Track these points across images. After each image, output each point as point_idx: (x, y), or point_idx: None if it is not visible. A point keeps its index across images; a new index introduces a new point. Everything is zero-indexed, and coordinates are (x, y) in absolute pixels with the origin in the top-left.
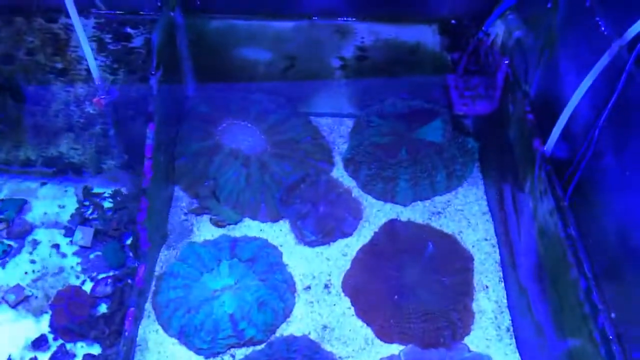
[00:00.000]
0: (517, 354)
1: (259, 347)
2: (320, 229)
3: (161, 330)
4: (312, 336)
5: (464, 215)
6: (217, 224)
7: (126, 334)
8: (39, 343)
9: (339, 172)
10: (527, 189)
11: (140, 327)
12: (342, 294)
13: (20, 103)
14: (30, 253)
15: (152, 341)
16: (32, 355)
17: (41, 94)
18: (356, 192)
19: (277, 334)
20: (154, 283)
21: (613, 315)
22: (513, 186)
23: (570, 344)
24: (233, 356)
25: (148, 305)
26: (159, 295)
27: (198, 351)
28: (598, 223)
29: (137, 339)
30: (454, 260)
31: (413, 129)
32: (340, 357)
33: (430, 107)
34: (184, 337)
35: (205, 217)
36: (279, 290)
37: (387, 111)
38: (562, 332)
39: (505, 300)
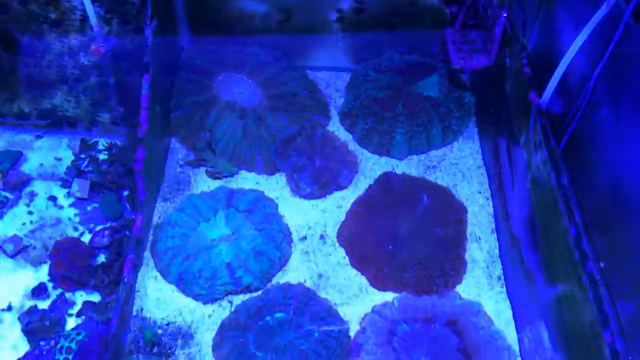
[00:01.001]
0: (508, 302)
1: (255, 294)
2: (316, 181)
3: (160, 277)
4: (308, 284)
5: (459, 168)
6: (214, 176)
7: (125, 280)
8: (39, 291)
9: (335, 126)
10: (522, 142)
11: (139, 274)
12: (337, 245)
13: (13, 54)
14: (27, 204)
15: (151, 288)
16: (32, 303)
17: (34, 44)
18: (352, 145)
19: (274, 282)
20: (151, 232)
21: (602, 265)
22: (508, 140)
23: (560, 290)
24: (231, 302)
25: (147, 254)
26: (157, 244)
27: (196, 297)
28: (590, 175)
29: (136, 285)
30: (447, 212)
31: (410, 83)
32: (335, 304)
33: (427, 62)
34: (183, 283)
35: (202, 169)
36: (276, 240)
37: (384, 65)
38: (551, 279)
39: (497, 251)
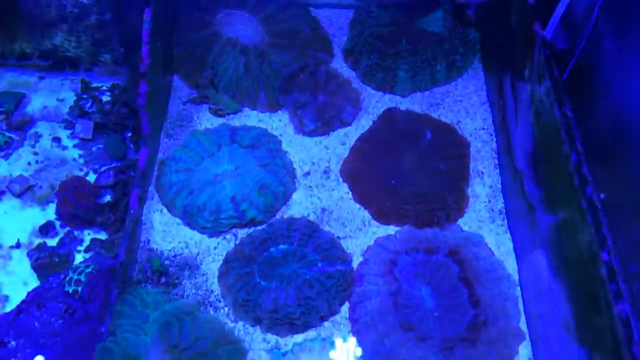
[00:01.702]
0: (508, 234)
1: (260, 228)
2: (320, 118)
3: (165, 211)
4: (311, 218)
5: (463, 105)
6: (217, 113)
7: (131, 211)
8: (46, 229)
9: (338, 64)
10: (526, 75)
11: (144, 208)
12: (341, 180)
13: None
14: (32, 146)
15: (157, 221)
16: (40, 240)
17: None
18: (355, 83)
19: (277, 216)
20: (156, 167)
21: (602, 196)
22: (513, 74)
23: (560, 217)
24: (235, 235)
25: (152, 189)
26: (162, 178)
27: (202, 230)
28: (593, 108)
29: (143, 218)
30: (450, 147)
31: (414, 19)
32: (338, 237)
33: None
34: (188, 217)
35: (205, 107)
36: (279, 175)
37: (388, 1)
38: (552, 207)
39: (499, 185)
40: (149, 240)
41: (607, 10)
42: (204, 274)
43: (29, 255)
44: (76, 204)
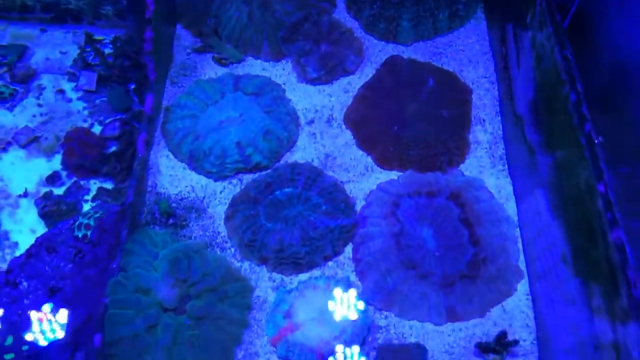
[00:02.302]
0: (509, 179)
1: (265, 173)
2: (323, 66)
3: (171, 156)
4: (315, 163)
5: (465, 54)
6: (220, 62)
7: (139, 155)
8: (53, 179)
9: (341, 14)
10: (528, 22)
11: (151, 153)
12: (344, 127)
13: None
14: (36, 97)
15: (164, 165)
16: (47, 190)
17: None
18: (358, 32)
19: (282, 162)
20: (162, 114)
21: (601, 139)
22: (515, 23)
23: (559, 157)
24: (241, 180)
25: (158, 135)
26: (168, 125)
27: (207, 175)
28: (593, 54)
29: (149, 163)
30: (453, 95)
31: None
32: (341, 182)
33: None
34: (194, 161)
35: (208, 56)
36: (283, 122)
37: None
38: (551, 148)
39: (500, 132)
40: (156, 185)
41: None
42: (210, 217)
43: (36, 203)
44: (82, 155)
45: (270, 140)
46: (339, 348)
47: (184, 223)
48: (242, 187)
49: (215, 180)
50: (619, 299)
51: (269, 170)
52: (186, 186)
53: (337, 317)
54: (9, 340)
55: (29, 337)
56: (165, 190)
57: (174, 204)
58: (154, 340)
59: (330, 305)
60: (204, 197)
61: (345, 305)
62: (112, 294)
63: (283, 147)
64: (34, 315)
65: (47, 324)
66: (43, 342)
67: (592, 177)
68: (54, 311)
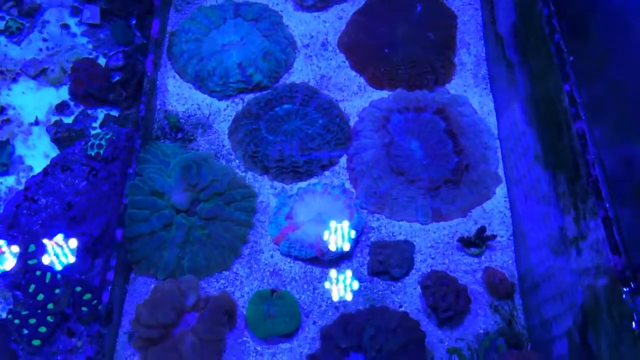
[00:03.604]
0: (491, 96)
1: (265, 92)
2: None
3: (177, 77)
4: (311, 83)
5: None
6: None
7: (148, 74)
8: (62, 108)
9: None
10: None
11: (158, 74)
12: (338, 51)
13: None
14: (41, 32)
15: (171, 85)
16: (56, 118)
17: None
18: None
19: (280, 82)
20: (167, 39)
21: (572, 58)
22: None
23: (533, 67)
24: (243, 100)
25: (164, 59)
26: (173, 48)
27: (211, 94)
28: None
29: (157, 84)
30: (439, 19)
31: None
32: (336, 100)
33: None
34: (199, 81)
35: None
36: (281, 45)
37: None
38: (526, 60)
39: (483, 54)
40: (164, 103)
41: None
42: (215, 132)
43: (47, 130)
44: (89, 84)
45: (269, 60)
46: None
47: (191, 137)
48: (245, 105)
49: (220, 99)
50: (580, 181)
51: (269, 90)
52: (192, 104)
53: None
54: (32, 247)
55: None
56: (173, 108)
57: (182, 120)
58: (168, 237)
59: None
60: (209, 115)
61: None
62: (131, 195)
63: (281, 67)
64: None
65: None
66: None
67: (560, 79)
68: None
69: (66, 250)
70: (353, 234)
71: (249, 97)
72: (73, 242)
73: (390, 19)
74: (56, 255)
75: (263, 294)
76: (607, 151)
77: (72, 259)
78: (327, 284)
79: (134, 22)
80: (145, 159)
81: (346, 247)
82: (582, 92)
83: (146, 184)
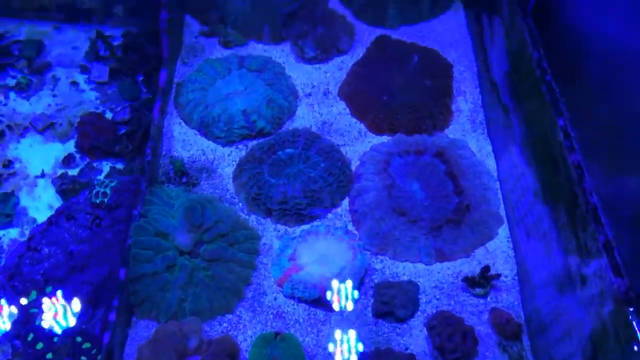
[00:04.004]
0: (488, 140)
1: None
2: (319, 46)
3: (183, 124)
4: (313, 129)
5: (446, 37)
6: (226, 45)
7: (154, 122)
8: (68, 161)
9: (333, 4)
10: (498, 6)
11: (165, 121)
12: (339, 99)
13: None
14: (51, 89)
15: (177, 131)
16: (62, 171)
17: None
18: (350, 18)
19: (283, 128)
20: (174, 89)
21: (563, 99)
22: (488, 8)
23: (527, 108)
24: (247, 146)
25: (171, 107)
26: (180, 97)
27: (216, 140)
28: (556, 32)
29: (163, 130)
30: (436, 68)
31: None
32: (337, 145)
33: None
34: (204, 127)
35: (215, 40)
36: (284, 93)
37: None
38: (521, 103)
39: (480, 102)
40: (170, 149)
41: None
42: (219, 176)
43: (53, 182)
44: (95, 137)
45: (272, 107)
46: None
47: (195, 182)
48: (248, 150)
49: (224, 145)
50: (578, 209)
51: (272, 136)
52: (197, 150)
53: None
54: (33, 294)
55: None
56: (179, 154)
57: (186, 165)
58: (171, 278)
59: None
60: (213, 160)
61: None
62: (135, 236)
63: (284, 114)
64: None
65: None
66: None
67: (553, 115)
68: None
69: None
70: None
71: (252, 143)
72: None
73: (388, 69)
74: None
75: (266, 337)
76: (601, 183)
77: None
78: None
79: (141, 79)
80: (150, 201)
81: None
82: (575, 129)
83: (151, 224)
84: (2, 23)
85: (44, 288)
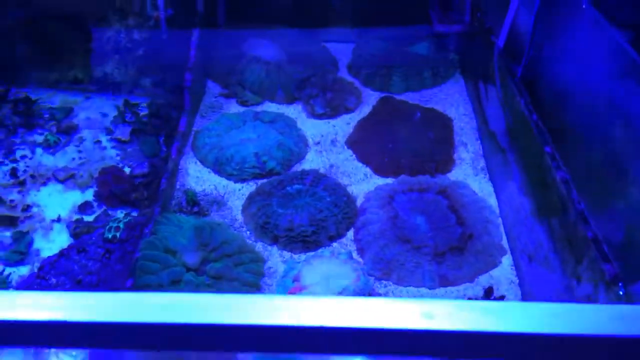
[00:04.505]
0: (490, 183)
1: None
2: (328, 105)
3: (199, 163)
4: (321, 171)
5: (448, 100)
6: (243, 103)
7: (172, 157)
8: (85, 207)
9: (342, 74)
10: (491, 75)
11: (181, 160)
12: (346, 147)
13: (81, 33)
14: (77, 146)
15: (192, 169)
16: (78, 217)
17: (101, 28)
18: (358, 85)
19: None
20: (193, 135)
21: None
22: (484, 77)
23: (520, 145)
24: (257, 184)
25: (188, 150)
26: (197, 141)
27: (229, 177)
28: (542, 94)
29: (179, 167)
30: (438, 122)
31: (404, 47)
32: (344, 185)
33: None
34: (218, 165)
35: (232, 100)
36: (294, 139)
37: (383, 35)
38: (514, 142)
39: (480, 151)
40: (184, 184)
41: (541, 21)
42: (229, 208)
43: (67, 226)
44: (114, 185)
45: (283, 150)
46: None
47: (206, 212)
48: (258, 186)
49: (235, 182)
50: (569, 216)
51: (281, 175)
52: (210, 185)
53: None
54: None
55: None
56: (192, 188)
57: (199, 197)
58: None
59: None
60: (224, 194)
61: None
62: (144, 250)
63: (294, 157)
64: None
65: None
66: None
67: (540, 144)
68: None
69: None
70: None
71: (262, 182)
72: None
73: (392, 122)
74: None
75: None
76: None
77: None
78: None
79: (162, 139)
80: (161, 222)
81: None
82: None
83: (160, 241)
84: (36, 92)
85: None
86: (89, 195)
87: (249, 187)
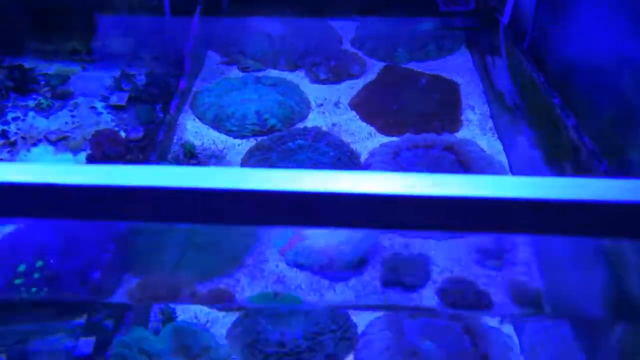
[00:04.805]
0: (499, 141)
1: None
2: (331, 71)
3: (198, 120)
4: (324, 129)
5: (453, 69)
6: (244, 70)
7: (171, 112)
8: None
9: (345, 47)
10: (497, 46)
11: (179, 117)
12: (349, 108)
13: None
14: (71, 111)
15: (190, 125)
16: None
17: None
18: (361, 56)
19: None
20: (192, 95)
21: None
22: (490, 50)
23: (528, 102)
24: (257, 140)
25: (187, 109)
26: (196, 101)
27: (228, 133)
28: (548, 58)
29: (177, 123)
30: (443, 86)
31: (409, 25)
32: (348, 143)
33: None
34: (217, 122)
35: (234, 67)
36: (296, 100)
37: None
38: (527, 109)
39: (488, 113)
40: (181, 138)
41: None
42: (228, 162)
43: None
44: (108, 147)
45: (284, 108)
46: None
47: (204, 165)
48: (258, 141)
49: (235, 138)
50: (580, 156)
51: (282, 132)
52: (208, 140)
53: None
54: None
55: None
56: (190, 141)
57: (197, 152)
58: None
59: None
60: (223, 148)
61: None
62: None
63: (295, 116)
64: None
65: None
66: None
67: (549, 96)
68: None
69: None
70: None
71: (262, 139)
72: None
73: (397, 87)
74: None
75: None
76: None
77: None
78: None
79: (159, 107)
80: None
81: None
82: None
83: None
84: (33, 61)
85: None
86: (81, 158)
87: (248, 143)
